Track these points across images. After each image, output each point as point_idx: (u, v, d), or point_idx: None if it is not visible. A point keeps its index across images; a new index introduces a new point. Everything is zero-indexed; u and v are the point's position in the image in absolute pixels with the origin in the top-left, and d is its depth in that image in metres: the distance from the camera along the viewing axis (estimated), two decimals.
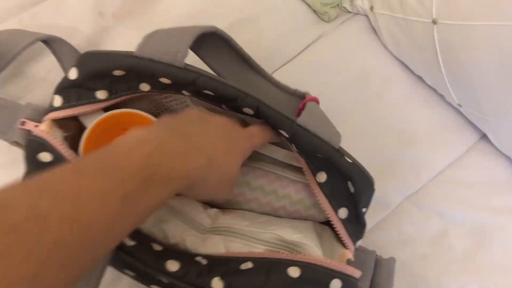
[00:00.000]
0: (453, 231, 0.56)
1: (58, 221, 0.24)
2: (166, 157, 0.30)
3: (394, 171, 0.58)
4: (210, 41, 0.43)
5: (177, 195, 0.33)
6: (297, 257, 0.38)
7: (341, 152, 0.40)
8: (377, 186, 0.57)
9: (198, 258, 0.39)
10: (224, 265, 0.39)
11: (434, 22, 0.51)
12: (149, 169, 0.29)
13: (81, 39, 0.55)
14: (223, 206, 0.47)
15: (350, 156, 0.41)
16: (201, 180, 0.33)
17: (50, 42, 0.49)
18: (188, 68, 0.38)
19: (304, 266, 0.38)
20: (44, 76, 0.54)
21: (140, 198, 0.28)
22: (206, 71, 0.39)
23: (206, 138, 0.35)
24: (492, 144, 0.59)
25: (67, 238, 0.24)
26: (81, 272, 0.26)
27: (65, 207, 0.24)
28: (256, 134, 0.41)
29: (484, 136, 0.60)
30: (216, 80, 0.39)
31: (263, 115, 0.39)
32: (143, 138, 0.31)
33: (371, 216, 0.56)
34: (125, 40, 0.57)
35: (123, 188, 0.27)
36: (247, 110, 0.40)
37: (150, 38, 0.40)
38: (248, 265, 0.38)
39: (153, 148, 0.30)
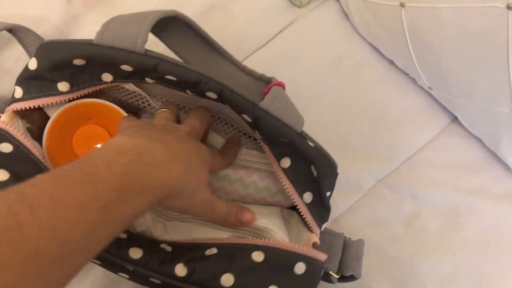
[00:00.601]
0: (426, 213, 0.57)
1: (37, 231, 0.24)
2: (145, 166, 0.31)
3: (367, 154, 0.58)
4: (174, 26, 0.43)
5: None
6: (261, 242, 0.39)
7: (303, 136, 0.41)
8: (350, 169, 0.57)
9: (163, 245, 0.39)
10: (188, 251, 0.39)
11: (402, 5, 0.51)
12: (127, 179, 0.29)
13: (49, 28, 0.55)
14: None
15: (312, 140, 0.41)
16: (179, 189, 0.34)
17: (16, 31, 0.49)
18: (148, 54, 0.38)
19: (268, 250, 0.38)
20: (11, 66, 0.53)
21: (119, 208, 0.28)
22: (167, 56, 0.39)
23: (180, 147, 0.35)
24: (463, 126, 0.59)
25: (46, 248, 0.24)
26: (62, 281, 0.26)
27: (44, 217, 0.24)
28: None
29: (455, 119, 0.60)
30: (177, 65, 0.38)
31: (226, 99, 0.39)
32: (123, 147, 0.31)
33: (345, 199, 0.57)
34: (95, 28, 0.56)
35: (102, 198, 0.27)
36: (210, 94, 0.40)
37: (109, 24, 0.39)
38: (213, 251, 0.39)
39: (132, 157, 0.30)
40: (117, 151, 0.31)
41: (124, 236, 0.40)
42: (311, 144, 0.40)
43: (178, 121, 0.43)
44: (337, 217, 0.56)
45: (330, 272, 0.43)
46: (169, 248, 0.39)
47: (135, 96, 0.46)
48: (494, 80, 0.47)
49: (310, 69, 0.60)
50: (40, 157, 0.39)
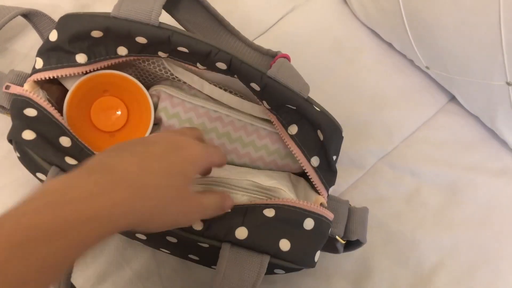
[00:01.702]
0: (426, 189, 0.59)
1: None
2: (68, 204, 0.28)
3: (367, 133, 0.60)
4: (184, 3, 0.45)
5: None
6: (272, 201, 0.41)
7: (309, 102, 0.43)
8: (351, 148, 0.59)
9: None
10: None
11: None
12: (34, 229, 0.26)
13: (61, 14, 0.57)
14: None
15: (318, 105, 0.44)
16: (135, 213, 0.31)
17: (31, 16, 0.51)
18: (162, 26, 0.41)
19: (278, 207, 0.40)
20: (27, 52, 0.55)
21: (24, 264, 0.25)
22: (179, 28, 0.41)
23: (140, 164, 0.33)
24: (461, 105, 0.61)
25: None
26: None
27: None
28: (205, 151, 0.38)
29: (453, 98, 0.62)
30: (189, 36, 0.41)
31: (235, 69, 0.42)
32: (44, 190, 0.29)
33: (347, 177, 0.59)
34: None
35: None
36: (220, 64, 0.42)
37: None
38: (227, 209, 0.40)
39: (49, 199, 0.28)
40: (37, 195, 0.28)
41: None
42: (317, 108, 0.43)
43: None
44: (339, 195, 0.58)
45: (337, 237, 0.45)
46: None
47: (153, 63, 0.48)
48: (488, 54, 0.49)
49: (310, 53, 0.62)
50: (62, 122, 0.41)
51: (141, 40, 0.41)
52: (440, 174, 0.59)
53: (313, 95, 0.60)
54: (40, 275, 0.26)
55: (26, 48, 0.56)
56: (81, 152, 0.41)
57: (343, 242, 0.46)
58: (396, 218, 0.57)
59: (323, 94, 0.61)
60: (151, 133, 0.48)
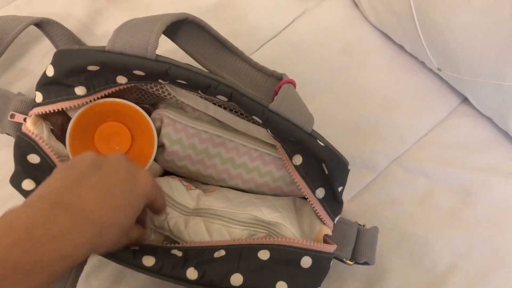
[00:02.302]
0: (439, 190, 0.58)
1: None
2: (35, 243, 0.28)
3: (379, 136, 0.60)
4: (185, 28, 0.44)
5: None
6: (267, 241, 0.41)
7: (313, 136, 0.41)
8: (363, 150, 0.59)
9: (174, 251, 0.42)
10: (198, 255, 0.41)
11: None
12: (8, 264, 0.27)
13: (75, 22, 0.58)
14: (209, 183, 0.49)
15: (322, 139, 0.42)
16: (99, 243, 0.32)
17: (44, 25, 0.52)
18: (159, 60, 0.39)
19: (273, 248, 0.40)
20: (40, 60, 0.56)
21: None
22: (177, 61, 0.40)
23: (99, 194, 0.33)
24: (473, 107, 0.61)
25: None
26: None
27: None
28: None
29: (465, 100, 0.62)
30: (187, 69, 0.39)
31: (236, 102, 0.41)
32: (12, 223, 0.29)
33: (359, 179, 0.59)
34: (118, 21, 0.59)
35: None
36: (220, 97, 0.41)
37: (120, 31, 0.40)
38: (221, 253, 0.41)
39: (18, 236, 0.28)
40: (3, 231, 0.29)
41: (136, 247, 0.42)
42: (321, 143, 0.41)
43: None
44: (353, 197, 0.58)
45: (344, 260, 0.45)
46: (179, 253, 0.41)
47: (155, 86, 0.47)
48: (500, 55, 0.49)
49: (321, 56, 0.63)
50: None
51: (139, 73, 0.40)
52: (453, 176, 0.59)
53: (323, 98, 0.61)
54: None
55: (39, 57, 0.57)
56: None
57: (351, 263, 0.46)
58: (409, 219, 0.57)
59: (335, 97, 0.62)
60: (155, 158, 0.48)
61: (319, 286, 0.42)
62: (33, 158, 0.41)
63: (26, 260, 0.28)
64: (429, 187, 0.59)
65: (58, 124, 0.45)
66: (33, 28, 0.52)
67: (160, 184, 0.46)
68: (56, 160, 0.42)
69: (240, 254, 0.40)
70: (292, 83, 0.45)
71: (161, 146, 0.47)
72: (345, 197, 0.49)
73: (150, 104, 0.50)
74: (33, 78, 0.55)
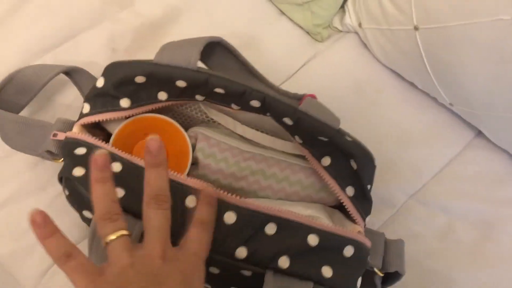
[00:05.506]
0: (460, 225, 0.58)
1: None
2: None
3: (395, 172, 0.60)
4: (216, 52, 0.49)
5: None
6: (316, 224, 0.42)
7: (341, 132, 0.45)
8: (381, 187, 0.60)
9: (227, 214, 0.41)
10: (249, 223, 0.41)
11: (416, 28, 0.55)
12: None
13: (99, 71, 0.61)
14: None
15: (350, 135, 0.45)
16: None
17: (72, 73, 0.55)
18: (200, 70, 0.44)
19: (323, 234, 0.41)
20: (69, 105, 0.59)
21: None
22: (215, 72, 0.45)
23: None
24: (488, 139, 0.61)
25: None
26: None
27: None
28: None
29: (479, 133, 0.63)
30: (225, 78, 0.44)
31: (269, 106, 0.44)
32: None
33: (378, 216, 0.59)
34: None
35: None
36: (254, 102, 0.45)
37: (166, 47, 0.46)
38: (272, 229, 0.41)
39: None
40: None
41: None
42: (349, 138, 0.45)
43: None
44: None
45: (375, 270, 0.45)
46: (232, 218, 0.41)
47: (189, 106, 0.51)
48: (511, 88, 0.50)
49: (333, 96, 0.63)
50: (111, 149, 0.43)
51: (181, 83, 0.44)
52: (473, 210, 0.59)
53: None
54: None
55: (68, 101, 0.60)
56: (131, 176, 0.42)
57: (381, 274, 0.46)
58: (430, 256, 0.57)
59: None
60: (188, 173, 0.49)
61: (360, 277, 0.43)
62: (80, 151, 0.43)
63: None
64: (449, 222, 0.58)
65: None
66: (62, 76, 0.55)
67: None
68: (102, 144, 0.43)
69: (290, 234, 0.41)
70: (313, 97, 0.48)
71: (193, 163, 0.50)
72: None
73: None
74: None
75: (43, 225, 0.31)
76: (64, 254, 0.31)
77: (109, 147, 0.43)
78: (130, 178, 0.41)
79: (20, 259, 0.53)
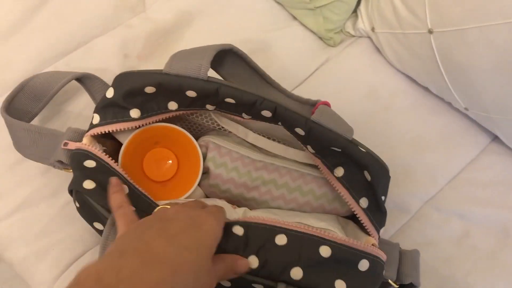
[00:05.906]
0: (476, 231, 0.57)
1: None
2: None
3: (410, 177, 0.60)
4: (228, 59, 0.49)
5: None
6: (328, 236, 0.41)
7: (354, 143, 0.44)
8: (395, 193, 0.59)
9: (236, 229, 0.40)
10: (259, 235, 0.40)
11: (430, 31, 0.55)
12: None
13: (111, 76, 0.61)
14: (250, 206, 0.50)
15: (363, 146, 0.44)
16: (176, 282, 0.31)
17: (84, 79, 0.55)
18: (210, 80, 0.43)
19: (335, 246, 0.40)
20: (80, 112, 0.59)
21: None
22: (226, 81, 0.44)
23: (170, 241, 0.33)
24: (504, 144, 0.61)
25: None
26: None
27: None
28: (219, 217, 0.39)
29: (495, 138, 0.62)
30: (235, 88, 0.43)
31: (280, 116, 0.43)
32: (81, 279, 0.30)
33: (393, 222, 0.58)
34: None
35: None
36: (265, 112, 0.44)
37: (175, 57, 0.45)
38: (283, 240, 0.40)
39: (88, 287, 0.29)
40: (75, 285, 0.29)
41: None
42: (363, 149, 0.44)
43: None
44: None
45: (389, 281, 0.44)
46: (241, 231, 0.40)
47: (200, 115, 0.51)
48: None
49: (346, 101, 0.64)
50: (120, 171, 0.43)
51: (191, 94, 0.44)
52: (489, 216, 0.58)
53: None
54: None
55: (79, 109, 0.60)
56: (138, 199, 0.43)
57: (396, 286, 0.45)
58: (447, 262, 0.56)
59: (362, 140, 0.62)
60: (199, 182, 0.49)
61: None
62: (90, 163, 0.43)
63: None
64: (466, 228, 0.57)
65: (108, 150, 0.47)
66: (73, 83, 0.55)
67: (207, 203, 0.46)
68: (111, 162, 0.43)
69: (302, 246, 0.40)
70: (327, 104, 0.47)
71: (205, 172, 0.49)
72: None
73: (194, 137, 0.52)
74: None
75: (115, 186, 0.42)
76: (118, 205, 0.41)
77: (117, 167, 0.44)
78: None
79: (32, 264, 0.53)
